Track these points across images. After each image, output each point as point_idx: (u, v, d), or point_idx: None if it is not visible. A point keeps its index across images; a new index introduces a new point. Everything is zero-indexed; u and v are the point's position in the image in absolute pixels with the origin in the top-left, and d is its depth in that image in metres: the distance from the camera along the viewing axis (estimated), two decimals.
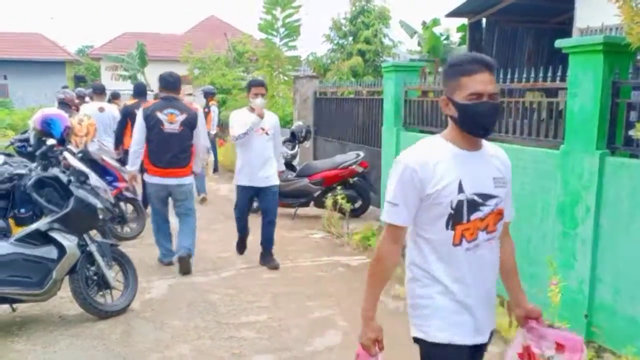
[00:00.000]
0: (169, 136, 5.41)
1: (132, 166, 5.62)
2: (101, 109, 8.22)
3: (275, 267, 5.71)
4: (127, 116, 7.40)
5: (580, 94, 3.86)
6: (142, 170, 5.76)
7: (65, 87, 12.31)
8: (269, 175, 5.65)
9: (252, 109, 5.55)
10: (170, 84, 5.60)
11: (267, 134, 5.59)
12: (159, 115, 5.42)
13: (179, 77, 5.74)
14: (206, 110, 10.33)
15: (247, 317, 4.53)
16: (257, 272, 5.65)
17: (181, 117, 5.44)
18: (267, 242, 5.79)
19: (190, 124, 5.49)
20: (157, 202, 5.68)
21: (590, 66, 3.78)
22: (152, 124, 5.41)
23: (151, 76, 10.54)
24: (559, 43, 4.01)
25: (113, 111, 8.25)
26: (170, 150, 5.42)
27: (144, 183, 6.18)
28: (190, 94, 8.19)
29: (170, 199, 5.71)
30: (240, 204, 5.81)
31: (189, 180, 5.64)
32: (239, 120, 5.56)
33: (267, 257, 5.79)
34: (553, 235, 4.12)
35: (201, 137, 5.65)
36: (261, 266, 5.77)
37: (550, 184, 4.15)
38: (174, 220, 5.84)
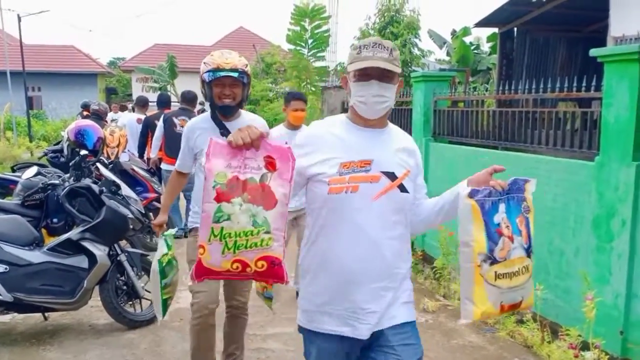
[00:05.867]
0: (179, 135, 6.26)
1: (153, 153, 7.38)
2: (139, 120, 8.41)
3: None
4: (148, 127, 7.63)
5: (616, 104, 3.78)
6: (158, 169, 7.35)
7: (110, 99, 12.63)
8: None
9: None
10: (188, 99, 7.34)
11: None
12: (174, 120, 7.06)
13: (195, 94, 7.32)
14: None
15: (274, 329, 4.51)
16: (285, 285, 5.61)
17: None
18: None
19: None
20: None
21: (626, 75, 3.70)
22: (168, 126, 7.05)
23: (181, 88, 10.70)
24: (593, 52, 3.94)
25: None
26: (179, 146, 6.41)
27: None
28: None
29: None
30: None
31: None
32: None
33: None
34: (587, 249, 4.02)
35: None
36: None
37: (585, 196, 4.05)
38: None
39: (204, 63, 3.24)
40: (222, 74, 3.18)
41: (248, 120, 3.33)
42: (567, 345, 3.69)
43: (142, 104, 9.26)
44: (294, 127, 4.90)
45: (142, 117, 8.61)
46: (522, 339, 4.23)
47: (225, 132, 3.24)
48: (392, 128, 2.26)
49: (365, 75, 2.04)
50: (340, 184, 2.01)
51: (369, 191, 2.03)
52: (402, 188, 2.09)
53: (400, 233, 2.12)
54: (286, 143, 4.84)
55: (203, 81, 3.26)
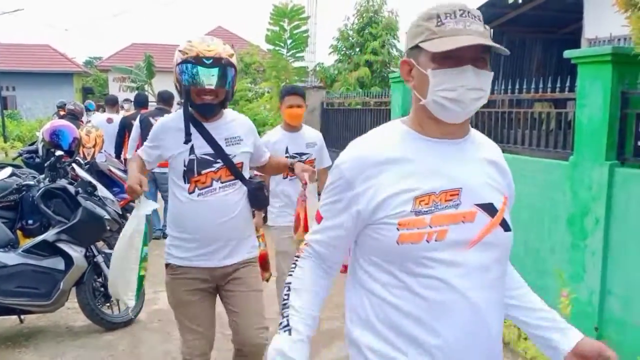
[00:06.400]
0: None
1: (129, 154, 7.14)
2: (109, 120, 8.33)
3: None
4: (125, 127, 7.60)
5: (589, 105, 3.84)
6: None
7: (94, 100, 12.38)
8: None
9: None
10: (165, 99, 7.38)
11: None
12: (151, 120, 6.77)
13: (171, 94, 7.21)
14: None
15: None
16: (264, 283, 5.61)
17: None
18: None
19: None
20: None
21: (599, 76, 3.77)
22: (144, 126, 6.86)
23: (159, 87, 10.63)
24: (567, 53, 4.00)
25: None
26: None
27: None
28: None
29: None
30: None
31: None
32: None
33: None
34: (562, 246, 4.09)
35: None
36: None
37: (559, 195, 4.12)
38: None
39: (180, 51, 2.59)
40: (202, 75, 2.52)
41: (231, 120, 2.78)
42: None
43: (112, 103, 9.16)
44: (292, 128, 4.13)
45: (112, 116, 8.53)
46: None
47: (203, 134, 2.65)
48: (474, 134, 1.51)
49: (455, 58, 1.33)
50: (419, 228, 1.34)
51: (462, 236, 1.36)
52: (505, 225, 1.44)
53: (501, 294, 1.48)
54: (287, 150, 3.89)
55: (178, 75, 2.60)
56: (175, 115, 2.79)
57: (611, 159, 3.72)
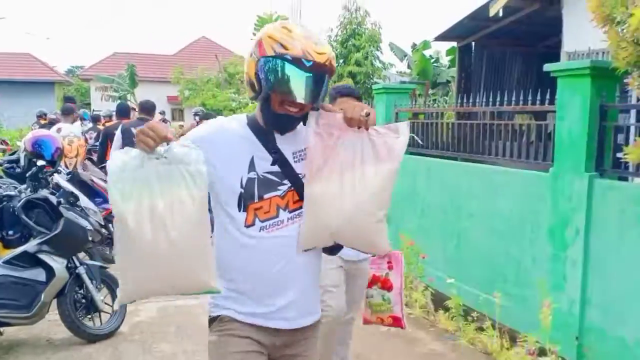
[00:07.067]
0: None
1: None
2: (58, 130, 8.08)
3: None
4: (108, 137, 7.49)
5: (569, 117, 3.91)
6: None
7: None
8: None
9: None
10: (146, 108, 7.31)
11: None
12: (133, 130, 6.50)
13: (153, 104, 7.46)
14: None
15: None
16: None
17: None
18: None
19: None
20: None
21: (578, 90, 3.84)
22: (126, 136, 6.77)
23: (141, 97, 10.60)
24: (547, 67, 4.08)
25: (72, 132, 8.03)
26: None
27: None
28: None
29: None
30: None
31: None
32: None
33: None
34: (543, 257, 4.14)
35: None
36: None
37: (540, 206, 4.17)
38: None
39: (270, 37, 1.82)
40: (298, 82, 1.81)
41: (299, 130, 2.00)
42: (525, 351, 3.78)
43: (67, 112, 8.86)
44: None
45: (62, 126, 8.27)
46: (482, 346, 4.31)
47: (273, 149, 1.95)
48: None
49: None
50: None
51: None
52: None
53: None
54: None
55: (259, 71, 1.85)
56: (237, 119, 2.04)
57: (590, 171, 3.79)
